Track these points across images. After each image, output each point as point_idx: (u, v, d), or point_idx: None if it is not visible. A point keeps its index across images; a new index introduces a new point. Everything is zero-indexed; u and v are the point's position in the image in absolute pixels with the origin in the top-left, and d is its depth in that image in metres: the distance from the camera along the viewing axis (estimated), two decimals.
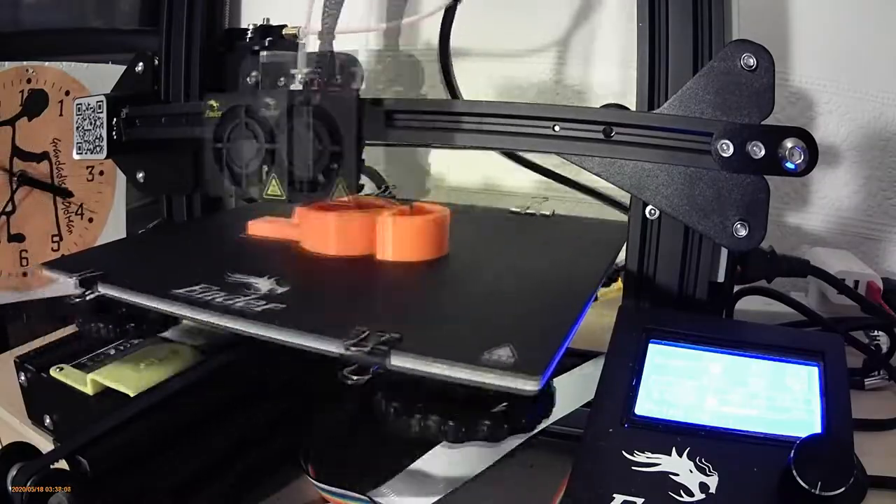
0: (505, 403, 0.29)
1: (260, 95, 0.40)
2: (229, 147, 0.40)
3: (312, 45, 0.45)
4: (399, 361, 0.28)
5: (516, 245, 0.48)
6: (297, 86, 0.40)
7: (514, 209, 0.55)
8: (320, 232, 0.42)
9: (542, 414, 0.31)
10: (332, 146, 0.39)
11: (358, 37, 0.42)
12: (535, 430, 0.32)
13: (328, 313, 0.34)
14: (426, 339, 0.30)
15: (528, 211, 0.55)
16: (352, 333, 0.30)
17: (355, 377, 0.29)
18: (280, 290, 0.36)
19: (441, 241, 0.42)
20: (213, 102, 0.41)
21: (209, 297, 0.34)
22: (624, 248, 0.43)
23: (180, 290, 0.35)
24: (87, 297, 0.38)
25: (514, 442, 0.37)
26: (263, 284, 0.37)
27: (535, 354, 0.28)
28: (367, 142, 0.43)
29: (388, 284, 0.39)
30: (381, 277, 0.40)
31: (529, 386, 0.26)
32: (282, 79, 0.47)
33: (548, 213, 0.54)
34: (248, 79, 0.47)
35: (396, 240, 0.41)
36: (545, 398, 0.30)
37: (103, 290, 0.37)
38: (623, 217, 0.45)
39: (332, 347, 0.29)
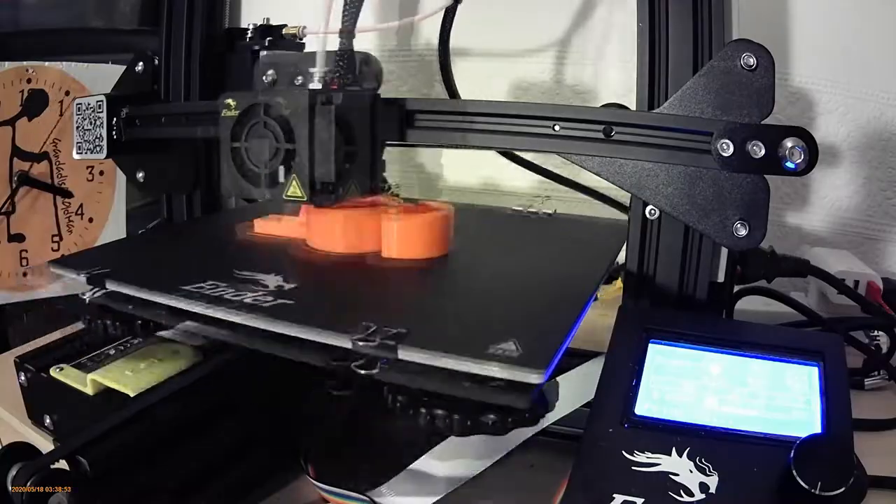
0: (511, 396, 0.29)
1: (278, 94, 0.40)
2: (247, 146, 0.39)
3: (312, 44, 0.45)
4: (407, 355, 0.29)
5: (518, 244, 0.48)
6: (315, 84, 0.40)
7: (515, 208, 0.56)
8: (327, 230, 0.43)
9: (547, 407, 0.31)
10: (346, 146, 0.39)
11: (356, 36, 0.42)
12: (539, 426, 0.32)
13: (336, 309, 0.35)
14: (432, 333, 0.30)
15: (529, 210, 0.55)
16: (360, 328, 0.30)
17: (363, 372, 0.29)
18: (288, 286, 0.36)
19: (445, 239, 0.43)
20: (230, 101, 0.40)
21: (218, 293, 0.34)
22: (624, 247, 0.43)
23: (189, 287, 0.35)
24: (97, 294, 0.38)
25: (515, 439, 0.38)
26: (271, 281, 0.37)
27: (538, 348, 0.28)
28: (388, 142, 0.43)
29: (394, 281, 0.40)
30: (386, 274, 0.40)
31: (534, 378, 0.27)
32: (299, 77, 0.46)
33: (549, 212, 0.55)
34: (264, 77, 0.47)
35: (401, 238, 0.41)
36: (549, 391, 0.30)
37: (112, 286, 0.37)
38: (623, 216, 0.45)
39: (340, 342, 0.30)
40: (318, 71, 0.40)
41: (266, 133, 0.39)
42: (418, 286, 0.39)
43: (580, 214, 0.56)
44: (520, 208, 0.55)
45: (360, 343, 0.29)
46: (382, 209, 0.43)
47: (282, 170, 0.38)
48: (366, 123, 0.40)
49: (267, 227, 0.47)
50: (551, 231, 0.52)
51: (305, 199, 0.38)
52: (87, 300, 0.39)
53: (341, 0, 0.40)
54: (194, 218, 0.59)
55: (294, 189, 0.39)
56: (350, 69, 0.41)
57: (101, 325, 0.39)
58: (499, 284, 0.39)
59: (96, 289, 0.38)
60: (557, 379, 0.38)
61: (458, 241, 0.44)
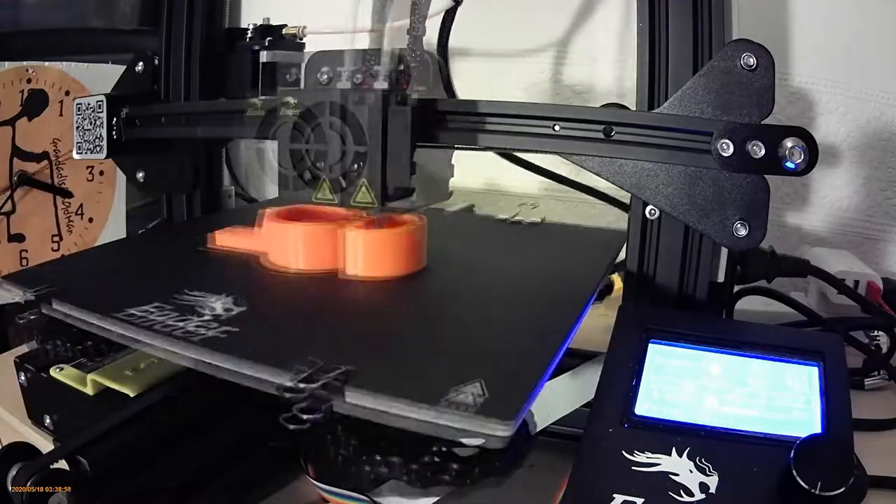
0: (477, 448, 0.26)
1: (347, 93, 0.37)
2: (308, 148, 0.37)
3: (313, 45, 0.44)
4: (355, 398, 0.25)
5: (500, 258, 0.45)
6: (381, 84, 0.37)
7: (500, 217, 0.53)
8: (284, 245, 0.40)
9: (520, 455, 0.29)
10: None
11: (357, 36, 0.41)
12: (511, 473, 0.29)
13: (284, 339, 0.32)
14: (388, 371, 0.27)
15: (516, 218, 0.52)
16: (305, 365, 0.27)
17: (292, 426, 0.25)
18: (236, 310, 0.34)
19: (416, 254, 0.39)
20: (289, 99, 0.37)
21: (162, 318, 0.32)
22: (623, 249, 0.43)
23: (133, 309, 0.33)
24: (33, 317, 0.37)
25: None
26: (219, 304, 0.34)
27: (509, 391, 0.25)
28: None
29: (354, 305, 0.36)
30: (346, 297, 0.37)
31: (500, 431, 0.23)
32: (358, 76, 0.42)
33: (537, 220, 0.52)
34: (318, 75, 0.43)
35: (365, 254, 0.38)
36: (523, 441, 0.28)
37: (57, 306, 0.35)
38: (616, 224, 0.44)
39: (281, 380, 0.27)
40: (384, 70, 0.37)
41: (332, 135, 0.37)
42: (380, 312, 0.36)
43: (569, 224, 0.53)
44: (505, 217, 0.52)
45: (301, 386, 0.26)
46: (345, 222, 0.39)
47: (351, 173, 0.36)
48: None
49: (227, 240, 0.44)
50: (537, 242, 0.49)
51: (376, 205, 0.36)
52: (32, 320, 0.37)
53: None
54: (194, 218, 0.59)
55: (364, 194, 0.37)
56: (424, 67, 0.38)
57: (52, 346, 0.37)
58: (474, 307, 0.36)
59: (36, 310, 0.36)
60: (557, 380, 0.38)
61: (434, 256, 0.40)
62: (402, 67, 0.37)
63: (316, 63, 0.42)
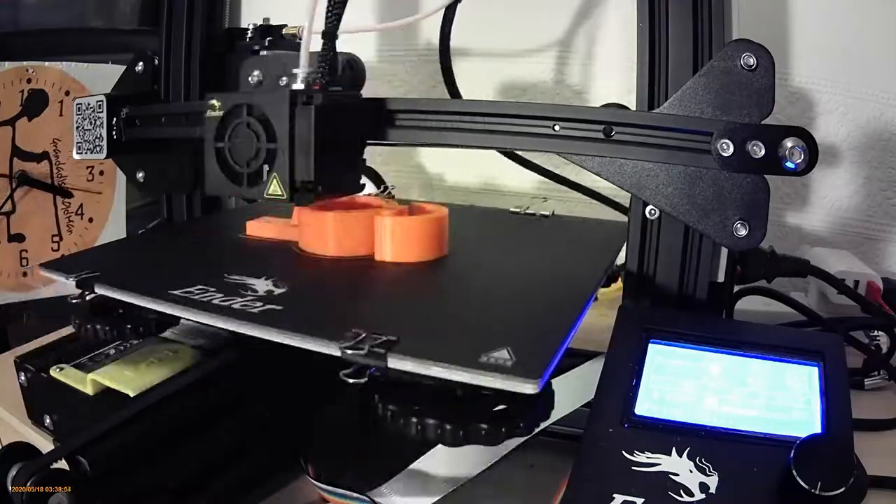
0: (503, 406, 0.29)
1: (260, 94, 0.40)
2: (230, 146, 0.40)
3: (313, 45, 0.45)
4: (396, 364, 0.28)
5: (516, 245, 0.48)
6: (298, 85, 0.40)
7: (513, 209, 0.55)
8: (318, 233, 0.42)
9: (542, 415, 0.31)
10: (326, 146, 0.39)
11: (356, 36, 0.42)
12: (534, 432, 0.31)
13: (325, 315, 0.34)
14: (424, 341, 0.29)
15: (527, 211, 0.55)
16: (348, 335, 0.29)
17: (352, 380, 0.28)
18: (277, 291, 0.36)
19: (440, 241, 0.42)
20: (214, 102, 0.40)
21: (207, 298, 0.34)
22: (624, 247, 0.43)
23: (178, 291, 0.35)
24: (86, 298, 0.38)
25: (513, 443, 0.37)
26: (261, 285, 0.36)
27: (533, 356, 0.28)
28: (368, 142, 0.43)
29: (386, 286, 0.39)
30: (379, 279, 0.39)
31: (528, 388, 0.26)
32: (284, 78, 0.46)
33: (547, 212, 0.54)
34: (250, 78, 0.47)
35: (395, 240, 0.41)
36: (544, 400, 0.30)
37: (100, 290, 0.37)
38: (622, 217, 0.44)
39: (328, 349, 0.29)
40: (301, 72, 0.40)
41: (249, 133, 0.39)
42: (411, 291, 0.38)
43: (578, 216, 0.55)
44: (517, 209, 0.55)
45: (349, 351, 0.29)
46: (375, 211, 0.42)
47: (265, 169, 0.38)
48: (346, 123, 0.40)
49: (259, 229, 0.47)
50: (549, 232, 0.51)
51: (286, 197, 0.38)
52: (77, 303, 0.39)
53: (325, 1, 0.41)
54: (194, 218, 0.59)
55: (275, 188, 0.38)
56: (333, 70, 0.41)
57: (92, 329, 0.39)
58: (494, 288, 0.38)
59: (85, 292, 0.38)
60: (557, 379, 0.38)
61: (455, 244, 0.43)
62: (317, 69, 0.40)
63: (249, 66, 0.47)
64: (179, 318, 0.34)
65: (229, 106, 0.40)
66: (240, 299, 0.34)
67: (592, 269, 0.41)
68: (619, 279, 0.54)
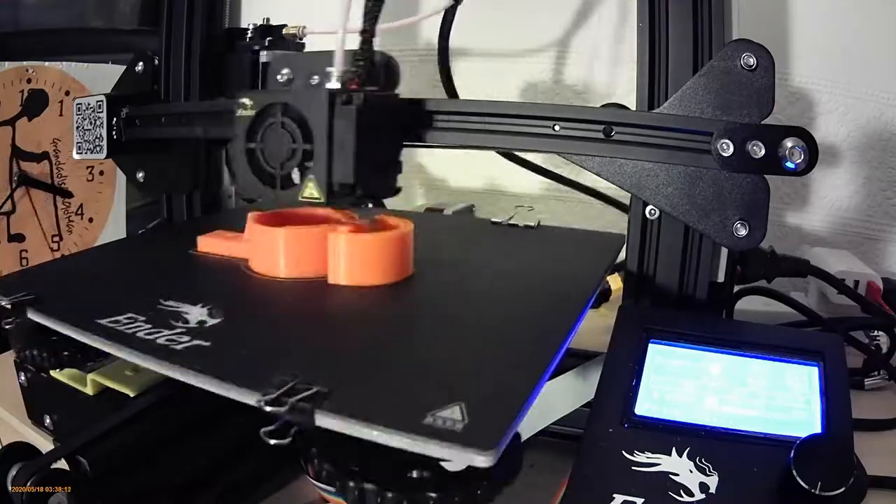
0: (455, 478, 0.26)
1: (296, 93, 0.38)
2: (262, 147, 0.38)
3: (324, 44, 0.44)
4: (325, 422, 0.24)
5: (494, 263, 0.43)
6: (333, 84, 0.38)
7: (495, 220, 0.51)
8: (267, 251, 0.39)
9: (506, 478, 0.27)
10: (365, 147, 0.37)
11: (356, 37, 0.41)
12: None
13: (256, 355, 0.30)
14: (363, 392, 0.26)
15: (510, 222, 0.50)
16: (275, 383, 0.26)
17: (272, 441, 0.25)
18: (210, 322, 0.32)
19: (402, 261, 0.38)
20: (245, 101, 0.38)
21: (132, 330, 0.31)
22: (623, 250, 0.43)
23: (105, 321, 0.32)
24: (7, 326, 0.37)
25: None
26: (194, 314, 0.33)
27: (492, 415, 0.23)
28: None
29: (334, 317, 0.35)
30: (328, 307, 0.35)
31: (481, 461, 0.22)
32: (315, 76, 0.44)
33: (532, 223, 0.50)
34: (278, 76, 0.45)
35: (350, 261, 0.37)
36: (507, 461, 0.25)
37: (32, 315, 0.34)
38: (615, 223, 0.44)
39: (248, 400, 0.26)
40: (336, 70, 0.38)
41: (283, 133, 0.37)
42: (361, 323, 0.34)
43: (565, 227, 0.51)
44: (499, 220, 0.51)
45: (267, 408, 0.25)
46: (331, 227, 0.38)
47: (296, 171, 0.37)
48: (385, 124, 0.39)
49: (210, 245, 0.43)
50: (532, 246, 0.47)
51: (323, 200, 0.37)
52: (9, 329, 0.37)
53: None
54: (194, 218, 0.59)
55: (311, 190, 0.37)
56: (369, 70, 0.39)
57: (29, 355, 0.37)
58: (460, 319, 0.34)
59: (15, 318, 0.36)
60: (557, 380, 0.38)
61: (423, 262, 0.39)
62: (353, 68, 0.38)
63: (277, 64, 0.44)
64: (104, 349, 0.31)
65: (262, 105, 0.38)
66: (167, 332, 0.31)
67: (576, 293, 0.36)
68: (608, 299, 0.53)
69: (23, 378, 0.45)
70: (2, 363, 0.52)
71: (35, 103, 0.68)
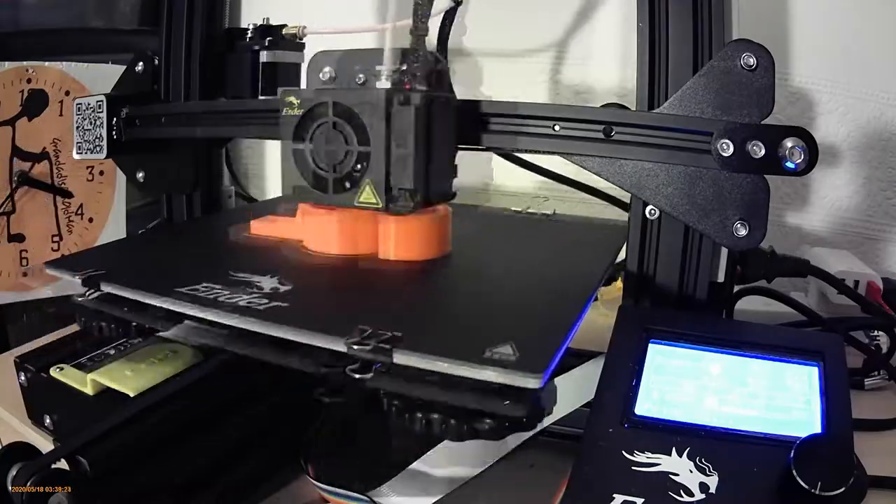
0: (507, 402, 0.29)
1: (350, 92, 0.37)
2: (312, 148, 0.37)
3: (313, 45, 0.44)
4: (402, 359, 0.28)
5: (517, 244, 0.48)
6: (383, 84, 0.37)
7: (514, 208, 0.56)
8: (322, 231, 0.42)
9: (544, 411, 0.30)
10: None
11: (356, 36, 0.41)
12: (537, 429, 0.31)
13: (331, 312, 0.34)
14: (428, 337, 0.30)
15: (528, 210, 0.55)
16: (355, 332, 0.29)
17: (357, 376, 0.29)
18: (283, 288, 0.36)
19: (443, 239, 0.42)
20: (292, 99, 0.38)
21: (213, 296, 0.34)
22: (624, 247, 0.43)
23: (183, 289, 0.35)
24: (91, 296, 0.38)
25: (514, 441, 0.37)
26: (266, 283, 0.36)
27: (536, 352, 0.28)
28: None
29: (391, 284, 0.39)
30: (383, 277, 0.39)
31: (531, 383, 0.26)
32: (360, 75, 0.41)
33: (548, 212, 0.55)
34: (321, 74, 0.42)
35: (398, 239, 0.40)
36: (547, 395, 0.30)
37: (106, 288, 0.37)
38: (623, 216, 0.44)
39: (335, 345, 0.29)
40: (385, 69, 0.37)
41: (336, 134, 0.37)
42: (415, 289, 0.38)
43: (579, 215, 0.56)
44: (518, 209, 0.55)
45: (355, 347, 0.29)
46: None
47: (354, 174, 0.37)
48: (442, 126, 0.38)
49: (264, 228, 0.47)
50: (550, 232, 0.52)
51: (381, 205, 0.37)
52: (83, 302, 0.38)
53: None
54: (194, 218, 0.59)
55: (368, 195, 0.37)
56: (421, 69, 0.38)
57: (97, 326, 0.38)
58: (497, 286, 0.39)
59: (91, 290, 0.37)
60: (557, 379, 0.38)
61: (457, 243, 0.43)
62: (404, 67, 0.37)
63: (318, 62, 0.42)
64: (185, 315, 0.34)
65: (312, 104, 0.37)
66: (245, 296, 0.34)
67: (593, 268, 0.41)
68: (620, 278, 0.54)
69: (23, 378, 0.45)
70: (2, 363, 0.52)
71: (35, 103, 0.68)
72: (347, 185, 0.38)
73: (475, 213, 0.58)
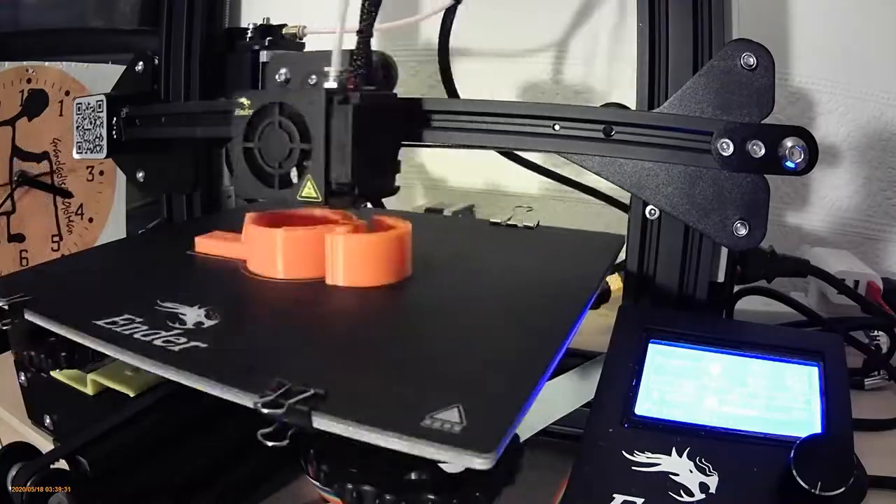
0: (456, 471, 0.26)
1: (293, 93, 0.38)
2: (260, 146, 0.38)
3: (319, 44, 0.44)
4: (323, 424, 0.24)
5: (492, 264, 0.42)
6: (331, 84, 0.38)
7: (494, 220, 0.51)
8: (265, 251, 0.38)
9: (505, 480, 0.27)
10: (363, 147, 0.37)
11: (355, 36, 0.41)
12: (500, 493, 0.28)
13: (254, 356, 0.30)
14: (360, 394, 0.26)
15: (509, 222, 0.50)
16: (271, 385, 0.25)
17: (270, 443, 0.25)
18: (208, 323, 0.32)
19: (401, 262, 0.37)
20: (243, 100, 0.39)
21: (129, 332, 0.31)
22: (623, 250, 0.43)
23: (102, 322, 0.32)
24: (4, 327, 0.36)
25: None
26: (191, 315, 0.33)
27: (490, 419, 0.23)
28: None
29: (331, 318, 0.35)
30: (326, 308, 0.35)
31: (479, 463, 0.21)
32: (313, 76, 0.44)
33: (531, 224, 0.50)
34: (276, 76, 0.45)
35: (347, 262, 0.36)
36: (505, 465, 0.25)
37: (28, 317, 0.34)
38: (615, 224, 0.44)
39: (245, 401, 0.25)
40: (333, 70, 0.38)
41: (280, 133, 0.37)
42: (358, 325, 0.34)
43: (563, 227, 0.51)
44: (499, 220, 0.51)
45: (265, 410, 0.24)
46: (328, 228, 0.38)
47: (294, 170, 0.37)
48: (383, 124, 0.39)
49: (208, 246, 0.43)
50: (531, 248, 0.46)
51: (321, 199, 0.37)
52: (7, 330, 0.36)
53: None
54: (194, 218, 0.59)
55: (309, 190, 0.37)
56: (366, 69, 0.39)
57: (27, 356, 0.37)
58: (458, 320, 0.34)
59: (12, 319, 0.35)
60: (557, 380, 0.38)
61: (421, 263, 0.39)
62: (351, 68, 0.38)
63: (274, 64, 0.45)
64: (102, 351, 0.31)
65: (259, 105, 0.38)
66: (164, 333, 0.31)
67: (575, 295, 0.36)
68: (608, 300, 0.52)
69: (23, 378, 0.45)
70: (2, 363, 0.52)
71: (35, 103, 0.68)
72: (293, 180, 0.38)
73: (452, 226, 0.54)
